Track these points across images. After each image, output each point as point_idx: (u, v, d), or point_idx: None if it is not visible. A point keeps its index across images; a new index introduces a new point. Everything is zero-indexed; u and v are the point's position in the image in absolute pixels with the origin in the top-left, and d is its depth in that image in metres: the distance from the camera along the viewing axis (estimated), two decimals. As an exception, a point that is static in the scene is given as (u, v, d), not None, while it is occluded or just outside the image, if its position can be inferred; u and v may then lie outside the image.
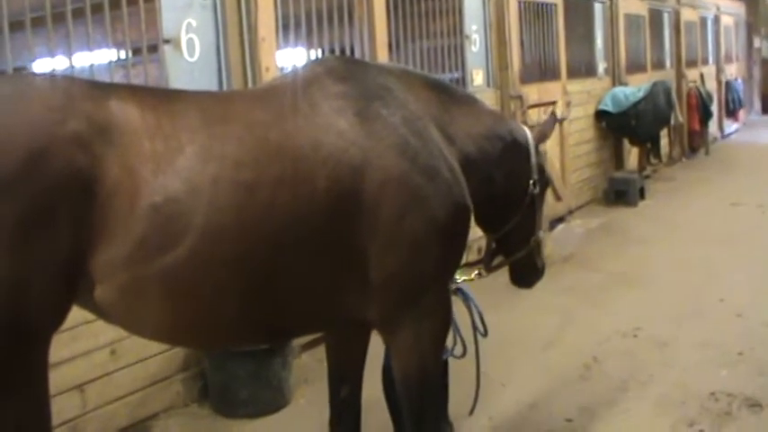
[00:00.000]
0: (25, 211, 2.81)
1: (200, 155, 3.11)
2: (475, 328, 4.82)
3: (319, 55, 7.74)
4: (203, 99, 3.50)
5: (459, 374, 5.07)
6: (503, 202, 4.32)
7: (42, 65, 6.00)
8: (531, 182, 4.30)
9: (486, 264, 4.60)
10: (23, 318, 2.90)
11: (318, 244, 3.32)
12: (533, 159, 4.32)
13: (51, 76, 3.48)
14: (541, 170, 4.42)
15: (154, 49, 6.06)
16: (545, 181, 4.49)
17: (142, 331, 3.41)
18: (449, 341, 4.11)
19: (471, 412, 5.12)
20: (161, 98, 3.29)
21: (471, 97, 4.38)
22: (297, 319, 3.55)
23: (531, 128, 4.55)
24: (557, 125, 4.79)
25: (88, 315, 3.32)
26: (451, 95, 4.10)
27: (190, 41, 6.07)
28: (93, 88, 3.15)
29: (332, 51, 7.83)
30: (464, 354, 4.78)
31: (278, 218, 3.19)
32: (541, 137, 4.50)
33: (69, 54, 5.43)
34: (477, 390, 5.00)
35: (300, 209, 3.24)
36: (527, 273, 4.66)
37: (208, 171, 3.10)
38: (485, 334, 4.83)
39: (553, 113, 4.56)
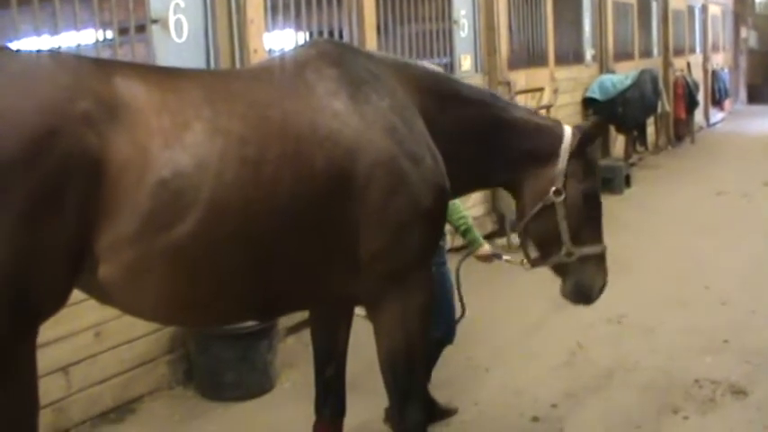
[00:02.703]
0: (35, 189, 2.80)
1: (207, 130, 3.14)
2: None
3: (307, 38, 7.71)
4: (204, 77, 3.57)
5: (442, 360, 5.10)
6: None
7: (27, 44, 5.94)
8: (553, 189, 4.11)
9: (526, 257, 4.50)
10: (28, 297, 2.90)
11: (315, 221, 3.38)
12: (559, 166, 4.13)
13: (56, 53, 3.45)
14: (577, 177, 4.17)
15: (141, 29, 6.00)
16: (585, 191, 4.19)
17: (142, 311, 3.42)
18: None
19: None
20: (164, 75, 3.33)
21: (469, 99, 4.13)
22: (291, 294, 3.61)
23: (578, 128, 4.26)
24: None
25: (73, 296, 3.29)
26: (442, 92, 4.02)
27: (178, 22, 6.01)
28: (97, 66, 3.15)
29: (320, 34, 7.79)
30: (462, 316, 4.81)
31: (280, 195, 3.25)
32: (583, 141, 4.18)
33: (55, 33, 5.38)
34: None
35: (301, 187, 3.29)
36: (567, 285, 4.37)
37: (215, 146, 3.13)
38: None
39: (597, 119, 4.26)
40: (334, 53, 3.74)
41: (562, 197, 4.12)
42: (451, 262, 5.13)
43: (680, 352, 6.34)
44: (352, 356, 4.34)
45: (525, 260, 4.48)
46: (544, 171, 4.15)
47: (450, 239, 5.96)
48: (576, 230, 4.19)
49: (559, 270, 4.35)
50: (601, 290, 4.39)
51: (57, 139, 2.83)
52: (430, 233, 3.81)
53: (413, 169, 3.58)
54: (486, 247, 5.12)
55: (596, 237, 4.30)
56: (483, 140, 4.09)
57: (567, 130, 4.22)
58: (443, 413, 5.24)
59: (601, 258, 4.33)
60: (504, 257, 5.12)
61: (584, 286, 4.33)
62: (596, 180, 4.31)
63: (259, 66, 4.29)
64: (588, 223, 4.25)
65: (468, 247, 5.14)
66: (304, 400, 4.64)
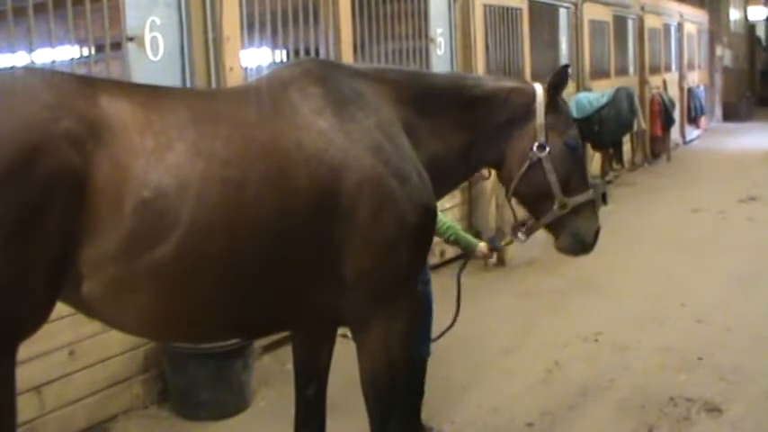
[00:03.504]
0: (18, 208, 2.81)
1: (190, 151, 3.15)
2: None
3: (284, 55, 7.70)
4: (189, 97, 3.58)
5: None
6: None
7: (2, 60, 5.91)
8: (536, 144, 4.10)
9: (519, 227, 4.48)
10: (12, 314, 2.90)
11: (299, 241, 3.38)
12: (538, 121, 4.12)
13: (40, 70, 3.44)
14: (557, 129, 4.16)
15: (117, 46, 5.99)
16: (567, 142, 4.19)
17: (126, 326, 3.46)
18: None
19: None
20: (148, 95, 3.32)
21: (447, 88, 4.16)
22: (274, 314, 3.62)
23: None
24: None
25: (47, 315, 3.27)
26: (423, 95, 4.02)
27: (154, 40, 6.00)
28: (82, 84, 3.16)
29: (297, 52, 7.79)
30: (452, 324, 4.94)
31: (263, 215, 3.26)
32: (552, 91, 4.18)
33: (30, 50, 5.35)
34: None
35: (285, 207, 3.30)
36: (563, 238, 4.33)
37: (197, 168, 3.14)
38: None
39: (564, 65, 4.37)
40: (318, 72, 3.74)
41: (546, 151, 4.11)
42: (442, 275, 5.12)
43: (655, 370, 6.36)
44: (332, 375, 4.32)
45: (520, 233, 4.45)
46: (524, 131, 4.15)
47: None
48: (566, 181, 4.18)
49: (553, 227, 4.32)
50: (596, 235, 4.37)
51: (39, 156, 2.84)
52: (416, 252, 3.82)
53: (399, 187, 3.59)
54: (482, 246, 5.17)
55: (584, 184, 4.30)
56: (465, 127, 4.09)
57: (538, 87, 4.23)
58: (420, 432, 5.23)
59: (591, 204, 4.33)
60: (501, 244, 5.23)
61: (580, 235, 4.31)
62: (575, 129, 4.30)
63: (244, 85, 4.32)
64: (575, 172, 4.25)
65: (465, 254, 5.21)
66: (280, 419, 4.62)
